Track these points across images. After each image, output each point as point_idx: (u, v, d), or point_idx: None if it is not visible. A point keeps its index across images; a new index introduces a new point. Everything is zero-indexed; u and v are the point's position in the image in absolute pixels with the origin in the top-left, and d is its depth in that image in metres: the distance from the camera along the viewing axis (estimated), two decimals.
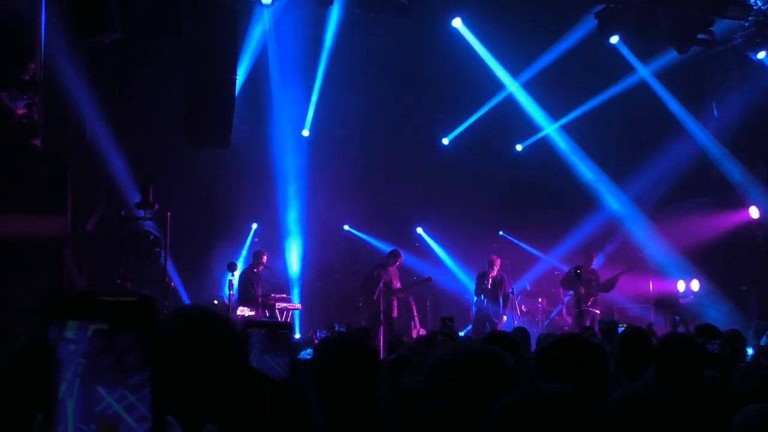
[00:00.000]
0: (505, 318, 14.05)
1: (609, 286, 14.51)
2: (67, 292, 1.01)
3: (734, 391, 4.67)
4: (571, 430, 1.46)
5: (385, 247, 15.32)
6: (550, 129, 17.22)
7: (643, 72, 15.70)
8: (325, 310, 15.20)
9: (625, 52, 15.21)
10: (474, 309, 14.39)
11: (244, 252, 15.40)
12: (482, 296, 14.10)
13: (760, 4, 13.49)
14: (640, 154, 16.40)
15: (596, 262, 14.89)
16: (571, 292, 14.67)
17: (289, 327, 2.19)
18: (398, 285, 14.12)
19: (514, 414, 1.50)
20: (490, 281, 14.11)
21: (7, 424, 2.43)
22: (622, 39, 14.32)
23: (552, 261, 17.05)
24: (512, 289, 14.67)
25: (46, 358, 0.98)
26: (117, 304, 1.00)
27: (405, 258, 15.62)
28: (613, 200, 17.17)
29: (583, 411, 1.49)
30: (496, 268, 14.25)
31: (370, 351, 2.38)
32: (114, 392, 0.98)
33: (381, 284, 13.77)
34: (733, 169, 15.08)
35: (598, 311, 14.13)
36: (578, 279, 13.97)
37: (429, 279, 14.57)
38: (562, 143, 17.26)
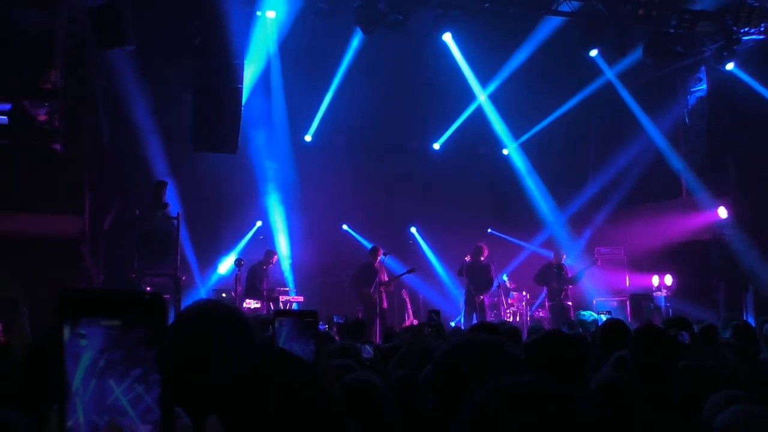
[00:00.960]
0: (481, 297, 14.18)
1: (575, 280, 14.61)
2: (81, 290, 1.00)
3: (702, 379, 4.68)
4: (543, 418, 1.45)
5: (381, 245, 15.31)
6: (531, 133, 17.28)
7: (614, 79, 15.78)
8: (324, 303, 15.19)
9: (603, 65, 15.31)
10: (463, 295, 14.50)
11: (241, 244, 15.35)
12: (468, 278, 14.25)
13: (729, 19, 13.56)
14: (616, 157, 16.48)
15: (565, 258, 14.94)
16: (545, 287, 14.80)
17: (314, 315, 2.21)
18: (384, 278, 14.09)
19: (491, 403, 1.49)
20: (472, 264, 14.27)
21: (25, 410, 2.42)
22: (600, 52, 14.42)
23: (540, 251, 16.99)
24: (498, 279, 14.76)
25: (60, 352, 0.98)
26: (127, 301, 1.00)
27: (400, 255, 15.65)
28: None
29: (552, 400, 1.49)
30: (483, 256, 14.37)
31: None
32: (124, 385, 0.98)
33: (376, 279, 13.83)
34: (703, 173, 15.11)
35: (570, 303, 14.23)
36: (559, 274, 14.07)
37: (413, 269, 14.51)
38: (545, 145, 17.31)
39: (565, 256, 14.96)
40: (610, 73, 15.65)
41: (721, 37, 14.01)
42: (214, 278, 14.85)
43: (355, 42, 14.21)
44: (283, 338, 2.19)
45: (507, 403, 1.48)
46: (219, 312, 2.15)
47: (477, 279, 14.18)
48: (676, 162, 15.76)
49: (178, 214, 12.82)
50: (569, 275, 14.56)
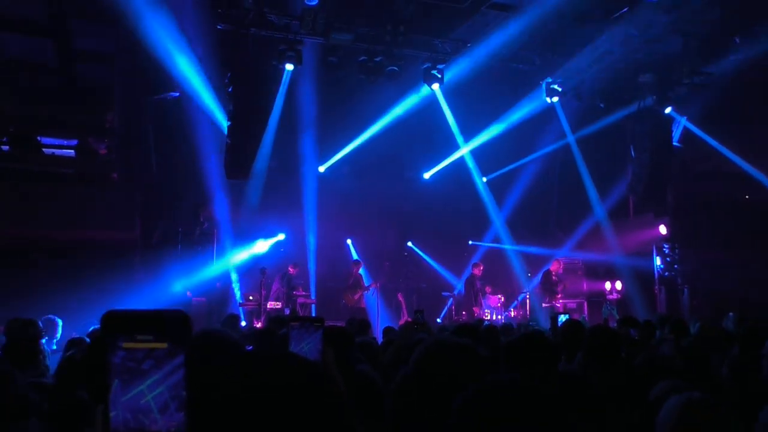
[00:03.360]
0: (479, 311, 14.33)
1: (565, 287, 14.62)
2: (120, 312, 1.00)
3: (647, 370, 4.64)
4: (519, 412, 1.47)
5: (381, 257, 15.34)
6: (508, 168, 17.30)
7: (569, 135, 15.91)
8: (332, 305, 15.13)
9: (562, 118, 15.43)
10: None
11: (261, 252, 15.24)
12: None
13: (666, 73, 13.71)
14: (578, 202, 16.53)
15: (559, 267, 14.90)
16: (526, 291, 14.74)
17: (322, 321, 2.20)
18: (363, 285, 14.50)
19: (476, 398, 1.49)
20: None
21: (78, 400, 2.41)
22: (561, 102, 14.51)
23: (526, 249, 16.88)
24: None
25: (104, 362, 0.97)
26: (157, 320, 0.99)
27: (398, 264, 15.72)
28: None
29: (529, 396, 1.50)
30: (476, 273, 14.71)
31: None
32: (154, 390, 0.97)
33: (362, 285, 14.17)
34: (646, 197, 15.12)
35: (559, 304, 14.15)
36: (559, 282, 13.97)
37: (370, 286, 14.74)
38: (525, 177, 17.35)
39: (562, 265, 14.95)
40: (566, 126, 15.71)
41: (660, 86, 14.14)
42: (244, 284, 14.69)
43: (361, 90, 14.21)
44: (296, 341, 2.17)
45: (491, 397, 1.51)
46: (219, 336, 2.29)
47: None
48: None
49: (214, 230, 12.83)
50: (564, 282, 14.58)
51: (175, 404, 0.96)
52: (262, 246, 14.85)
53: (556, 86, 14.01)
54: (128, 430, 0.96)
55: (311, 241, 15.93)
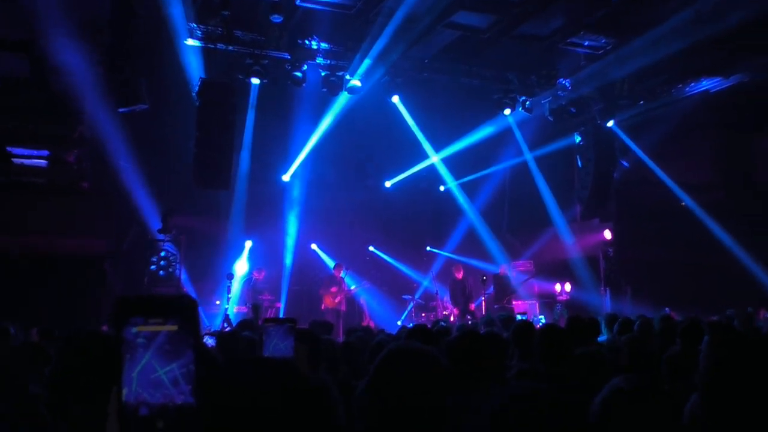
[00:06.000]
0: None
1: (516, 289, 14.73)
2: (134, 296, 1.04)
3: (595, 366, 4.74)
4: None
5: (345, 260, 15.29)
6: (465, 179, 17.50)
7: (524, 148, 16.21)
8: (298, 307, 15.06)
9: (518, 135, 15.76)
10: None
11: (238, 259, 15.10)
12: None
13: (608, 89, 14.06)
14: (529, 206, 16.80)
15: (507, 269, 15.04)
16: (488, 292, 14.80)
17: (294, 321, 2.27)
18: (344, 288, 14.27)
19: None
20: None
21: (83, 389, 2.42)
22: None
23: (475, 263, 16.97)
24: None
25: (118, 343, 1.02)
26: (167, 303, 1.04)
27: (360, 268, 15.69)
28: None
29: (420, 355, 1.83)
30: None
31: None
32: (164, 365, 1.01)
33: (343, 288, 14.02)
34: (591, 203, 15.42)
35: (512, 306, 14.24)
36: (483, 284, 14.06)
37: (353, 289, 14.67)
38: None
39: (508, 269, 15.08)
40: (519, 135, 15.98)
41: (603, 101, 14.51)
42: (210, 289, 14.44)
43: (324, 102, 14.25)
44: (271, 338, 2.24)
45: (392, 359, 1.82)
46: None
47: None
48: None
49: (181, 238, 12.69)
50: (513, 285, 14.68)
51: (185, 379, 1.02)
52: (241, 266, 14.69)
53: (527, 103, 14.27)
54: (140, 404, 1.00)
55: (281, 246, 15.85)
